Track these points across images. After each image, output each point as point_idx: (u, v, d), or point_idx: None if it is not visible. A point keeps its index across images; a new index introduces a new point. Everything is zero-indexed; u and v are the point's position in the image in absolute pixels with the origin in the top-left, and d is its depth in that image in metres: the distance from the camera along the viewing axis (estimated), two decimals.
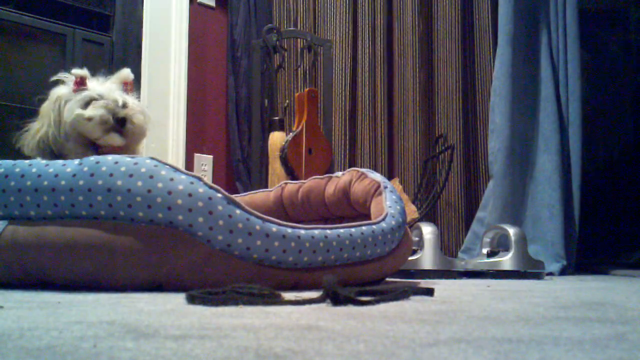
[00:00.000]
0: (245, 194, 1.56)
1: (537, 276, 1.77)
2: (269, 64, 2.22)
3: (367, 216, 1.26)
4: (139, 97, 1.36)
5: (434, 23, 2.57)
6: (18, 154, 1.28)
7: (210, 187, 0.89)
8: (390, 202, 1.18)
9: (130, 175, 0.87)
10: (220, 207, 0.87)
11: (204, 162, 2.29)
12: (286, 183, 1.49)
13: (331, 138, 2.25)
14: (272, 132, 2.11)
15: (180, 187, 0.87)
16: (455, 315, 0.58)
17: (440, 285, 1.23)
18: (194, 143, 2.27)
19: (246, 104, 2.29)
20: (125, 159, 0.89)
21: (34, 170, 0.90)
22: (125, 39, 2.18)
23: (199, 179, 0.90)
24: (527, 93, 2.33)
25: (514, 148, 2.28)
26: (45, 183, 0.88)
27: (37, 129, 1.25)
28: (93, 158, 0.90)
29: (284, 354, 0.35)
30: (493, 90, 2.34)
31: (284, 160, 2.04)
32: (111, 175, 0.87)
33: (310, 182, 1.43)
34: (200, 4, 2.32)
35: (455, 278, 1.73)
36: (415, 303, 0.72)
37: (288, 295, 0.72)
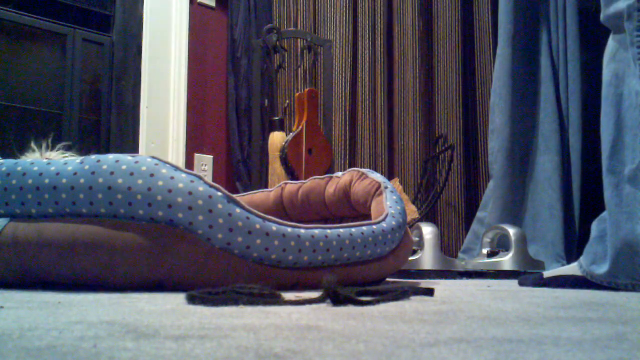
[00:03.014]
0: (244, 194, 1.56)
1: None
2: (269, 64, 2.22)
3: (367, 216, 1.26)
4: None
5: (434, 23, 2.57)
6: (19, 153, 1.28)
7: (210, 186, 0.89)
8: (390, 202, 1.18)
9: (131, 174, 0.87)
10: (220, 205, 0.87)
11: (204, 162, 2.29)
12: (286, 183, 1.49)
13: (331, 138, 2.25)
14: (272, 132, 2.11)
15: (181, 185, 0.87)
16: (455, 315, 0.58)
17: (440, 285, 1.23)
18: (194, 143, 2.27)
19: (246, 104, 2.29)
20: (126, 158, 0.89)
21: (35, 168, 0.90)
22: (125, 39, 2.18)
23: (199, 177, 0.90)
24: (527, 93, 2.33)
25: (514, 148, 2.28)
26: (47, 181, 0.88)
27: None
28: (94, 156, 0.90)
29: (284, 354, 0.35)
30: (493, 90, 2.34)
31: (284, 160, 2.04)
32: (112, 173, 0.87)
33: (310, 182, 1.43)
34: (200, 4, 2.32)
35: (455, 278, 1.73)
36: (415, 303, 0.72)
37: (288, 295, 0.72)
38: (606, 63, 1.12)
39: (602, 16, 1.13)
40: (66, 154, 1.33)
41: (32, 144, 1.30)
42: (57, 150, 1.34)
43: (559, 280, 1.19)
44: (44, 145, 1.32)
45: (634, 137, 1.04)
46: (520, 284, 1.30)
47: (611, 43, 1.12)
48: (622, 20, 1.06)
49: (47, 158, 1.25)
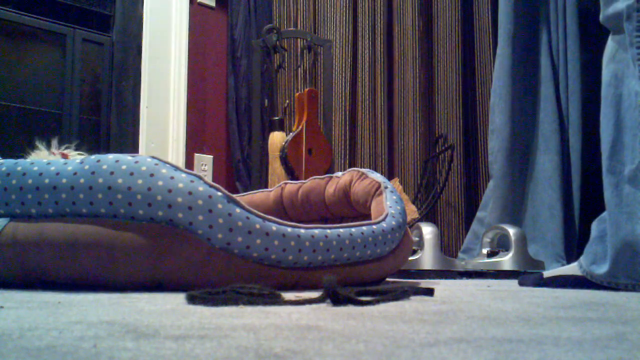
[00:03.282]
0: (244, 194, 1.56)
1: None
2: (269, 64, 2.22)
3: (367, 216, 1.26)
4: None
5: (434, 23, 2.57)
6: (19, 153, 1.29)
7: (210, 186, 0.89)
8: (390, 202, 1.18)
9: (131, 174, 0.87)
10: (220, 205, 0.87)
11: (204, 162, 2.29)
12: (286, 183, 1.49)
13: (331, 138, 2.25)
14: (272, 132, 2.11)
15: (181, 185, 0.87)
16: (455, 315, 0.58)
17: (440, 285, 1.23)
18: (194, 143, 2.27)
19: (246, 104, 2.29)
20: (126, 158, 0.89)
21: (35, 168, 0.90)
22: (125, 39, 2.18)
23: (199, 177, 0.90)
24: (527, 93, 2.33)
25: (514, 148, 2.28)
26: (47, 181, 0.88)
27: None
28: (94, 156, 0.90)
29: (284, 354, 0.35)
30: (493, 90, 2.34)
31: (284, 160, 2.04)
32: (112, 173, 0.87)
33: (310, 182, 1.43)
34: (200, 4, 2.32)
35: (455, 278, 1.73)
36: (415, 303, 0.72)
37: (288, 295, 0.72)
38: (605, 64, 1.12)
39: (601, 17, 1.13)
40: (73, 153, 1.34)
41: (38, 143, 1.31)
42: (66, 148, 1.34)
43: (559, 280, 1.19)
44: (53, 143, 1.33)
45: (633, 138, 1.04)
46: (520, 284, 1.30)
47: (610, 44, 1.12)
48: (621, 21, 1.06)
49: (63, 155, 1.26)
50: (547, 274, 1.25)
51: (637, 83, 1.03)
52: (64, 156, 1.31)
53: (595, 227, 1.14)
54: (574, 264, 1.18)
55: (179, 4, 2.24)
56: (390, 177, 2.40)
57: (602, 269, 1.09)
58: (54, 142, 1.33)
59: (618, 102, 1.07)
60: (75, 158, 0.93)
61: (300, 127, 2.08)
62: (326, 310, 0.61)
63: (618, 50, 1.09)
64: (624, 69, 1.07)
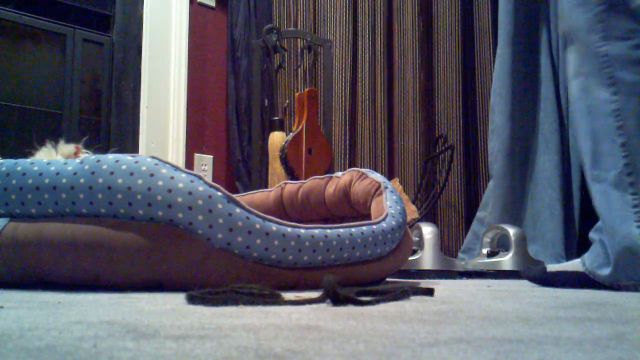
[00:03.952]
0: (244, 194, 1.56)
1: None
2: (269, 64, 2.22)
3: (367, 216, 1.26)
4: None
5: (434, 23, 2.57)
6: (19, 153, 1.29)
7: (210, 186, 0.89)
8: (390, 202, 1.18)
9: (131, 174, 0.87)
10: (220, 206, 0.87)
11: (204, 162, 2.29)
12: (286, 183, 1.49)
13: (331, 138, 2.25)
14: (272, 132, 2.11)
15: (181, 185, 0.87)
16: (455, 315, 0.58)
17: (440, 285, 1.23)
18: (194, 143, 2.27)
19: (246, 104, 2.29)
20: (126, 158, 0.89)
21: (35, 168, 0.90)
22: (125, 39, 2.18)
23: (199, 177, 0.90)
24: (527, 93, 2.33)
25: (514, 148, 2.28)
26: (47, 181, 0.88)
27: None
28: (94, 157, 0.90)
29: (284, 354, 0.35)
30: (493, 90, 2.34)
31: (284, 160, 2.04)
32: (112, 173, 0.87)
33: (310, 182, 1.43)
34: (200, 4, 2.32)
35: (455, 278, 1.73)
36: (415, 303, 0.72)
37: (288, 295, 0.72)
38: (571, 78, 1.14)
39: (560, 29, 1.14)
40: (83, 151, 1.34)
41: (47, 144, 1.31)
42: (84, 143, 1.35)
43: (562, 277, 1.19)
44: (60, 143, 1.33)
45: (612, 144, 1.06)
46: (524, 274, 1.31)
47: (572, 57, 1.13)
48: (582, 33, 1.07)
49: (77, 155, 1.26)
50: (550, 267, 1.25)
51: (605, 91, 1.05)
52: (76, 152, 1.31)
53: (593, 235, 1.15)
54: (577, 261, 1.19)
55: (179, 4, 2.24)
56: (390, 177, 2.40)
57: (604, 271, 1.10)
58: (61, 143, 1.33)
59: (590, 112, 1.09)
60: (76, 158, 0.93)
61: (300, 127, 2.08)
62: (326, 310, 0.61)
63: (583, 63, 1.10)
64: (591, 80, 1.08)
